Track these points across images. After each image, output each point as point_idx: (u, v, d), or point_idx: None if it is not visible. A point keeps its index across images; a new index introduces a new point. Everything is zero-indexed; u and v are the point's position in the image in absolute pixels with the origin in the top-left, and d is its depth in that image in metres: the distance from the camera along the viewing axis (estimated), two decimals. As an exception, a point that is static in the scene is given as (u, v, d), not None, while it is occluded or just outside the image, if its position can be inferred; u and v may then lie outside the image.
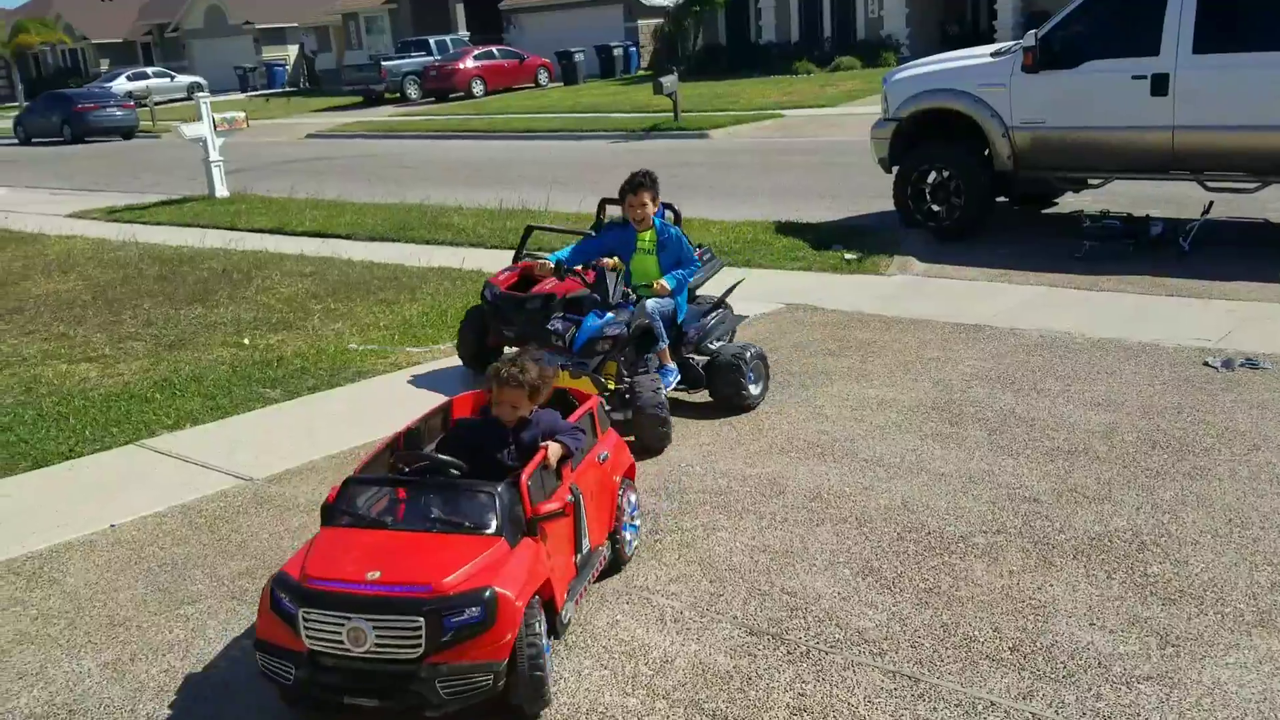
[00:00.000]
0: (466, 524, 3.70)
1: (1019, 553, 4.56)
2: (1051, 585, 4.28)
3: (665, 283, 6.38)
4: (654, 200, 6.57)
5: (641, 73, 37.50)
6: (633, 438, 5.65)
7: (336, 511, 3.86)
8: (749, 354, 6.47)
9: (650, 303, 6.33)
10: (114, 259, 12.68)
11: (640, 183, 6.51)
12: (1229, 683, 3.61)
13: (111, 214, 16.64)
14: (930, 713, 3.56)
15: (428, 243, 12.21)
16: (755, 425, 6.22)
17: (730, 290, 6.79)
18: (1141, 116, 9.32)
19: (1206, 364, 6.69)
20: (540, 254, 7.54)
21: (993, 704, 3.58)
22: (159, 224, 15.31)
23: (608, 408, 5.38)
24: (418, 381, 7.43)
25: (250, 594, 4.61)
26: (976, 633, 3.99)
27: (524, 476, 3.84)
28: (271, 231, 13.85)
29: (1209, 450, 5.44)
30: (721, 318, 6.82)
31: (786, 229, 11.40)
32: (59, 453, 6.45)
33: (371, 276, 10.69)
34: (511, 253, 8.17)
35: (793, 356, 7.45)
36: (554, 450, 4.10)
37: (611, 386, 5.96)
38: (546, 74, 38.84)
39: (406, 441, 4.33)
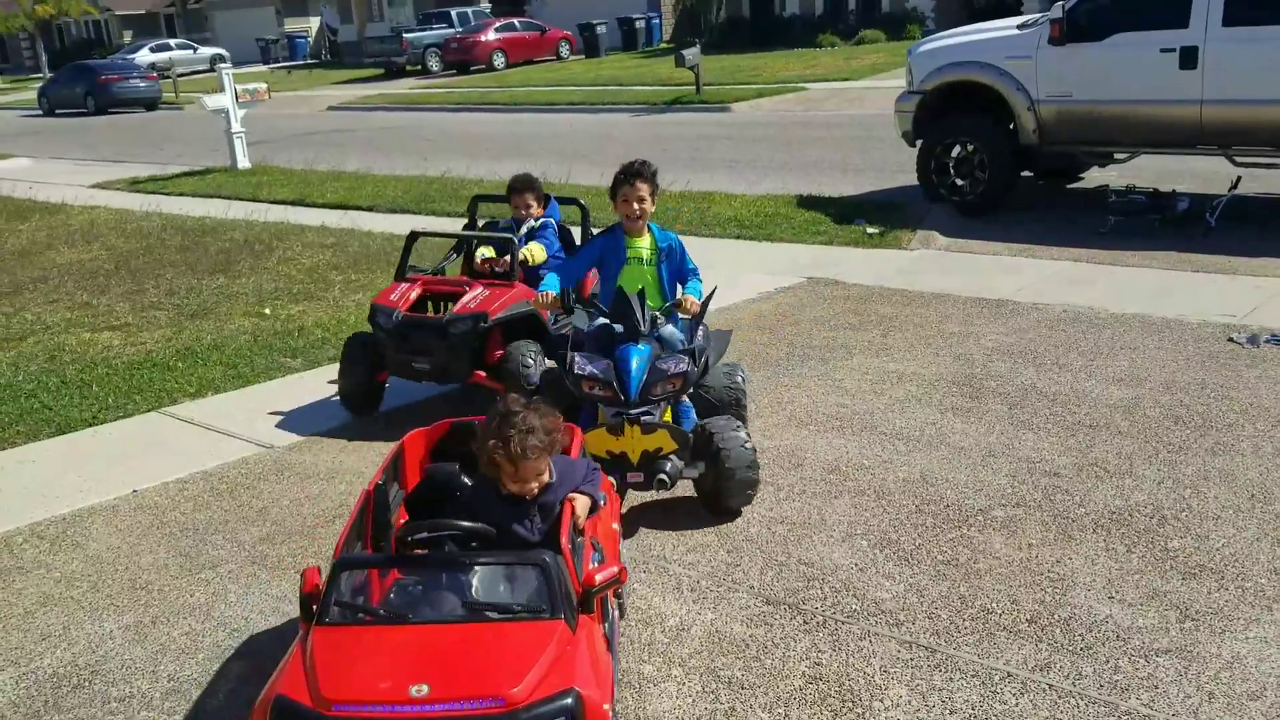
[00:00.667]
0: (517, 608, 2.93)
1: (1038, 526, 4.54)
2: (1070, 558, 4.27)
3: (694, 299, 5.06)
4: (654, 196, 5.16)
5: (663, 45, 37.28)
6: (697, 495, 4.82)
7: (328, 604, 2.95)
8: (739, 378, 5.43)
9: (668, 329, 5.03)
10: (137, 229, 12.74)
11: (639, 171, 5.09)
12: (1248, 657, 3.59)
13: (134, 185, 16.72)
14: (946, 683, 3.56)
15: (449, 215, 12.20)
16: (774, 398, 6.21)
17: (708, 301, 5.09)
18: (1169, 90, 9.19)
19: (1231, 340, 6.63)
20: (421, 267, 6.71)
21: (1009, 675, 3.57)
22: (181, 195, 15.38)
23: (681, 464, 4.61)
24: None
25: (270, 559, 4.65)
26: (994, 604, 3.98)
27: (563, 539, 3.17)
28: (293, 203, 13.87)
29: (1232, 426, 5.39)
30: (714, 338, 5.46)
31: (808, 203, 11.34)
32: (83, 419, 6.50)
33: (392, 248, 10.69)
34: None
35: (813, 330, 7.43)
36: (581, 504, 3.40)
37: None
38: (568, 46, 38.66)
39: (377, 504, 3.50)
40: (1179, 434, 5.34)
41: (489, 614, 2.93)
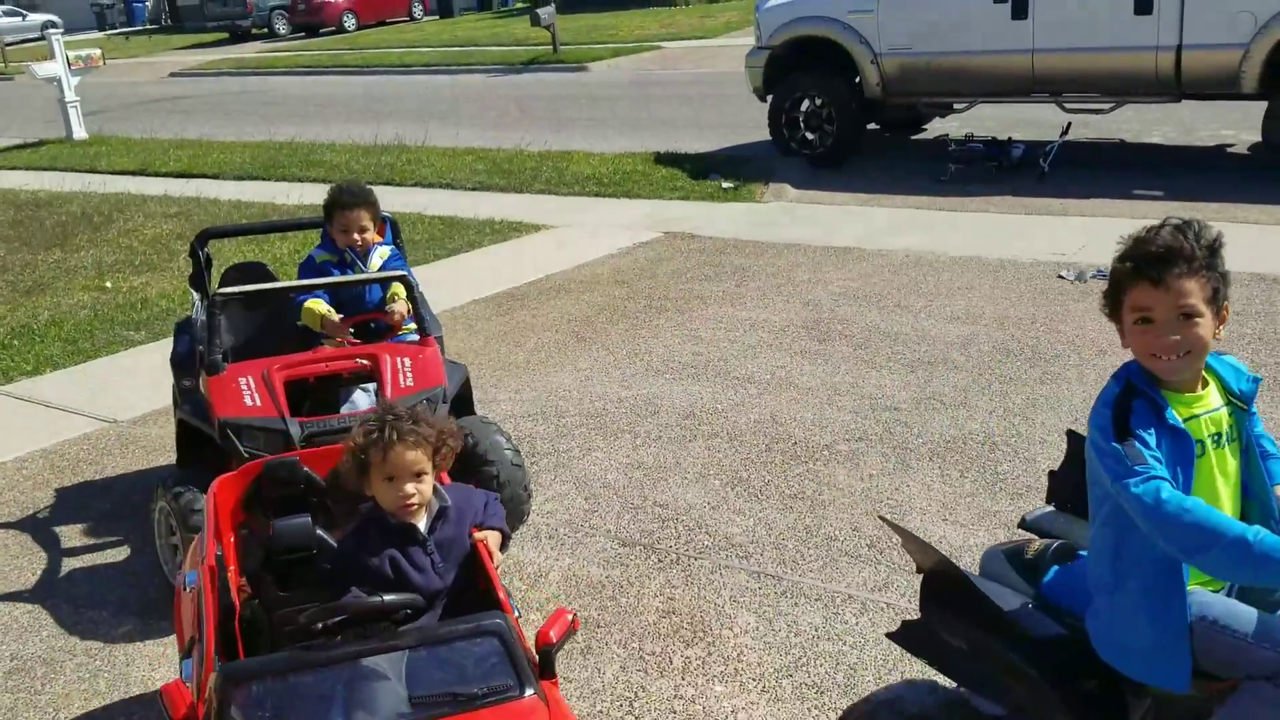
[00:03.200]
0: (480, 691, 2.34)
1: (879, 457, 4.75)
2: (908, 486, 4.48)
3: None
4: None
5: (519, 4, 36.79)
6: None
7: None
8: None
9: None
10: (-36, 205, 12.05)
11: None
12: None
13: (-40, 159, 15.76)
14: (791, 608, 3.71)
15: (299, 180, 11.89)
16: (633, 349, 6.30)
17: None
18: (1003, 40, 9.56)
19: (1060, 277, 6.99)
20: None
21: (850, 597, 3.75)
22: (13, 168, 14.57)
23: None
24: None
25: (116, 534, 4.53)
26: (837, 533, 4.16)
27: (499, 590, 2.67)
28: (134, 173, 13.30)
29: (1059, 356, 5.71)
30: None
31: (665, 160, 11.44)
32: (-92, 403, 6.18)
33: (240, 215, 10.40)
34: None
35: (670, 283, 7.54)
36: (495, 541, 2.87)
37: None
38: (421, 7, 37.80)
39: (223, 583, 2.79)
40: (1010, 366, 5.64)
41: (445, 709, 2.30)
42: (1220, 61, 8.70)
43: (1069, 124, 9.99)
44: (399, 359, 4.13)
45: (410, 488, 2.70)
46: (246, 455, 3.65)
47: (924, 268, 7.44)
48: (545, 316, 7.00)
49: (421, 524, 2.76)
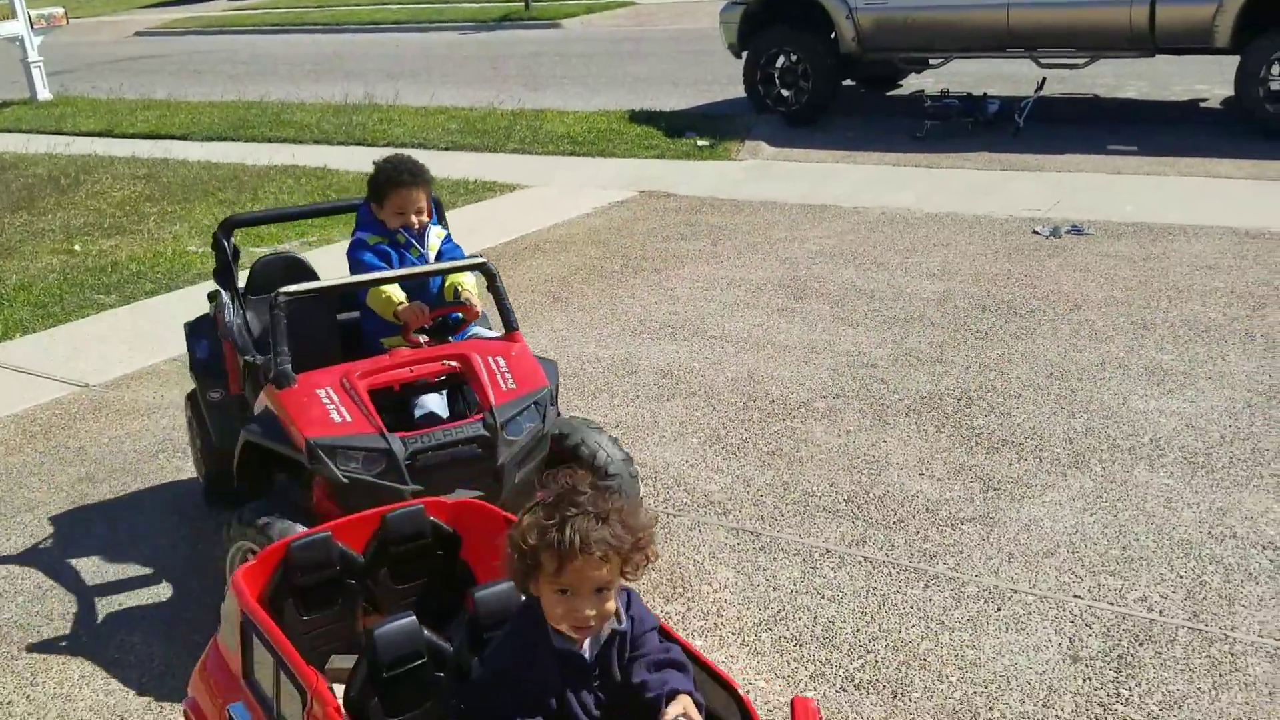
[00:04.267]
0: None
1: (856, 414, 4.76)
2: (885, 441, 4.51)
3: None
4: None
5: (491, -37, 36.26)
6: None
7: None
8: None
9: None
10: (-74, 168, 11.83)
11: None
12: (1044, 519, 3.88)
13: (-79, 121, 15.45)
14: (770, 563, 3.74)
15: (269, 140, 11.75)
16: (609, 309, 6.28)
17: None
18: (978, -5, 9.52)
19: (1035, 233, 7.01)
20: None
21: (828, 551, 3.78)
22: (-25, 130, 14.31)
23: None
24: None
25: (91, 498, 4.50)
26: (814, 488, 4.18)
27: None
28: (100, 134, 13.09)
29: (1034, 312, 5.74)
30: None
31: (640, 118, 11.35)
32: (-125, 369, 6.09)
33: (210, 177, 10.26)
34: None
35: (646, 242, 7.51)
36: (693, 711, 2.04)
37: None
38: (392, -35, 37.19)
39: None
40: (986, 322, 5.66)
41: None
42: (1194, 16, 8.69)
43: (1044, 79, 9.98)
44: (492, 358, 3.59)
45: (590, 609, 2.00)
46: (345, 480, 3.23)
47: (900, 225, 7.44)
48: (521, 277, 6.97)
49: (586, 648, 2.07)
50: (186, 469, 4.68)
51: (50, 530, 4.29)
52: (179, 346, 6.04)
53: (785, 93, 10.63)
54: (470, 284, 3.97)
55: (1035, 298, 5.93)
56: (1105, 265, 6.32)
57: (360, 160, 10.41)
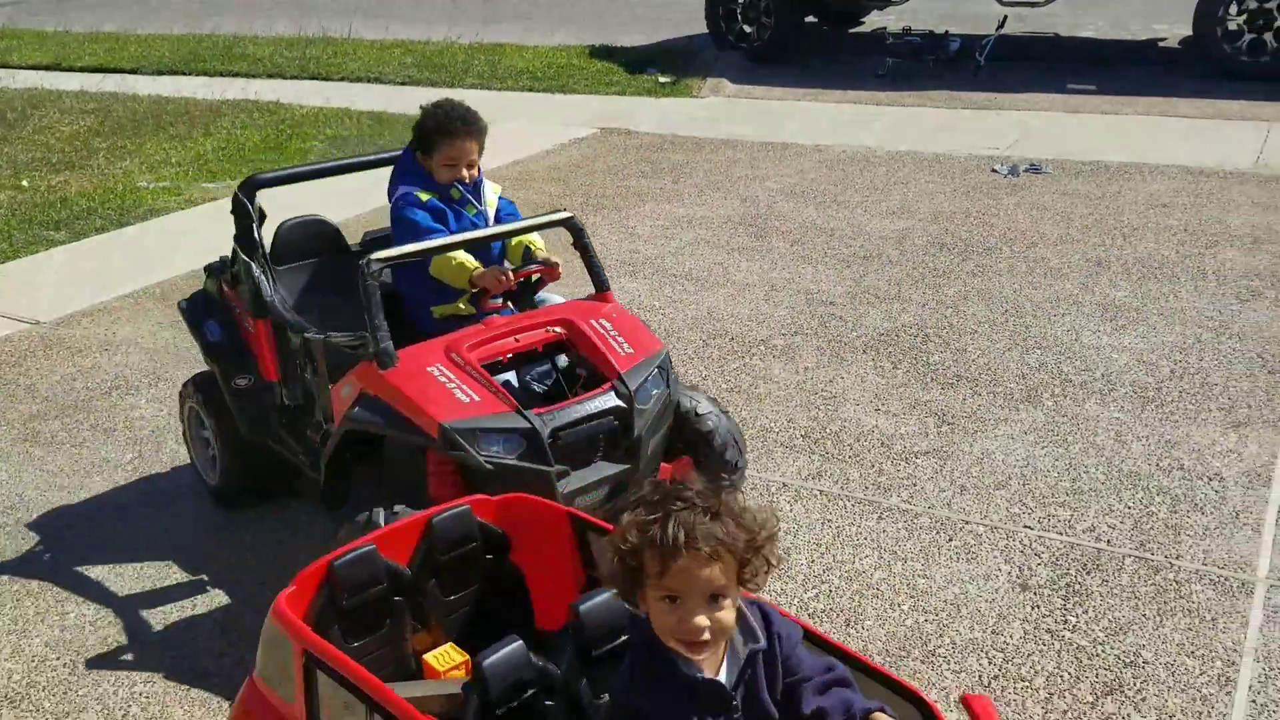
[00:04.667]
0: None
1: (814, 351, 4.79)
2: (842, 378, 4.54)
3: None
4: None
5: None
6: None
7: None
8: None
9: None
10: None
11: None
12: (996, 453, 3.94)
13: None
14: (727, 497, 3.76)
15: (221, 75, 11.49)
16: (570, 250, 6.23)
17: None
18: (941, -69, 9.44)
19: (994, 171, 7.03)
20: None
21: (784, 485, 3.82)
22: (-85, 62, 13.86)
23: None
24: (219, 217, 7.09)
25: (43, 436, 4.44)
26: (772, 424, 4.21)
27: None
28: (48, 68, 12.73)
29: (991, 250, 5.77)
30: None
31: (601, 54, 11.20)
32: None
33: (161, 111, 10.02)
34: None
35: (607, 180, 7.45)
36: None
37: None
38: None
39: None
40: (943, 260, 5.69)
41: None
42: (1156, -47, 8.67)
43: (1004, 18, 9.94)
44: (597, 321, 3.29)
45: (702, 618, 1.72)
46: (490, 467, 2.91)
47: (861, 163, 7.43)
48: (480, 214, 6.89)
49: (724, 673, 1.79)
50: (140, 406, 4.63)
51: (3, 467, 4.24)
52: (131, 283, 6.01)
53: (747, 29, 10.54)
54: (541, 241, 3.61)
55: (992, 236, 5.96)
56: (1062, 203, 6.36)
57: (315, 96, 10.25)
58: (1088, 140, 7.52)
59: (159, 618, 3.35)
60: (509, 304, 3.43)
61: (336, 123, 9.33)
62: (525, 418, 2.97)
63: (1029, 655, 2.96)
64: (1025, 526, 3.52)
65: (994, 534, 3.48)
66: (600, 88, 10.03)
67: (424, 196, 3.50)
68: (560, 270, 3.46)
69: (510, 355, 3.21)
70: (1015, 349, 4.70)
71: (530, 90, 10.18)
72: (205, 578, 3.53)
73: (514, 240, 3.57)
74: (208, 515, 3.88)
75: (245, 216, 3.64)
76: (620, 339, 3.26)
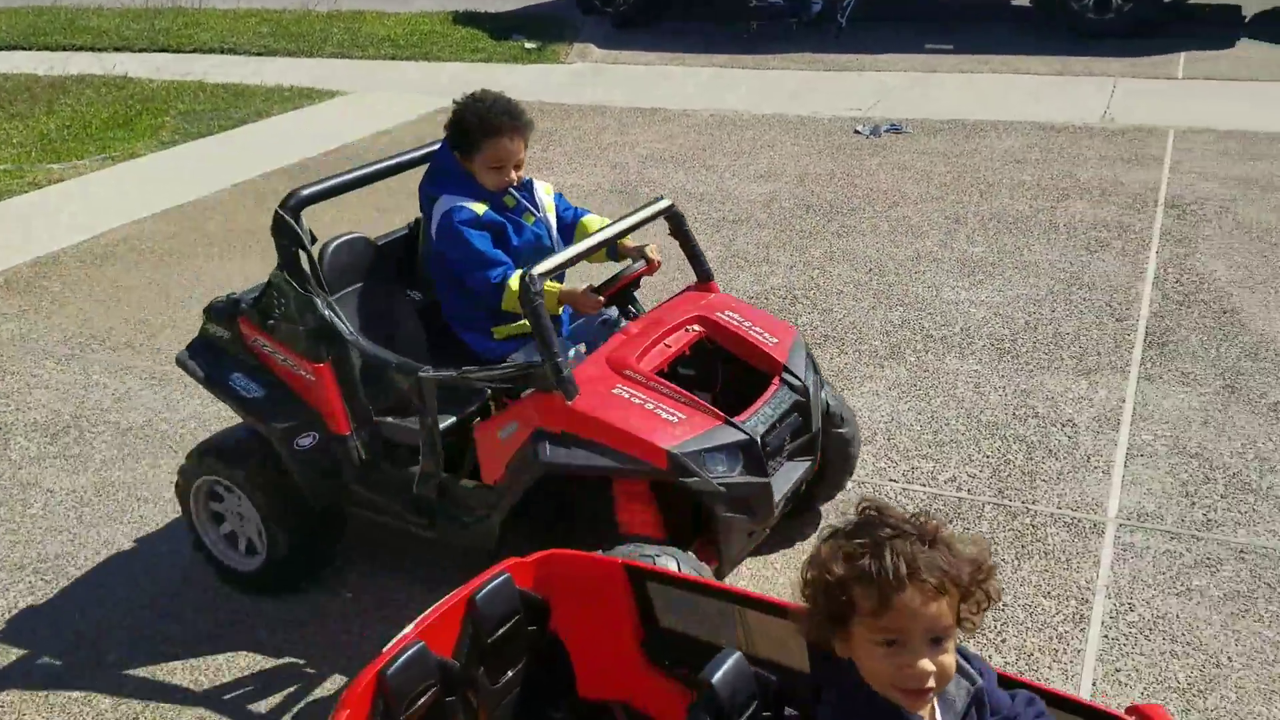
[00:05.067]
0: None
1: (685, 316, 4.82)
2: (713, 342, 4.58)
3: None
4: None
5: None
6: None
7: None
8: None
9: None
10: None
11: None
12: (863, 409, 4.03)
13: None
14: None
15: (64, 49, 10.93)
16: (435, 219, 6.14)
17: None
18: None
19: (857, 132, 7.16)
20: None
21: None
22: None
23: None
24: (63, 200, 6.76)
25: (-122, 439, 4.19)
26: (645, 391, 4.22)
27: None
28: None
29: (855, 210, 5.89)
30: None
31: (465, 19, 11.02)
32: None
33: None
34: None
35: (473, 149, 7.34)
36: None
37: None
38: None
39: None
40: (810, 221, 5.78)
41: None
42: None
43: (865, -21, 10.10)
44: (727, 313, 3.10)
45: (927, 662, 1.50)
46: (721, 488, 2.68)
47: (728, 127, 7.48)
48: (344, 188, 6.72)
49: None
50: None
51: None
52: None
53: (613, -7, 10.47)
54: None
55: (856, 196, 6.07)
56: (922, 162, 6.51)
57: (166, 70, 9.82)
58: (945, 99, 7.72)
59: None
60: (613, 307, 3.18)
61: (190, 97, 8.98)
62: (739, 429, 2.75)
63: (896, 606, 3.04)
64: (890, 480, 3.62)
65: (861, 489, 3.56)
66: (465, 55, 9.87)
67: (478, 210, 3.08)
68: (658, 259, 3.16)
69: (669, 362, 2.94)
70: (879, 307, 4.81)
71: (393, 59, 9.96)
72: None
73: (586, 229, 3.31)
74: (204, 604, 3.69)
75: (293, 240, 3.00)
76: (759, 329, 3.08)
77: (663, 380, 2.82)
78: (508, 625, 2.20)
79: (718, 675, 1.82)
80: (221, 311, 3.18)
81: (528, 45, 9.95)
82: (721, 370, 3.07)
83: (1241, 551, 3.17)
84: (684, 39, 9.94)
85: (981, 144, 6.77)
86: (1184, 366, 4.15)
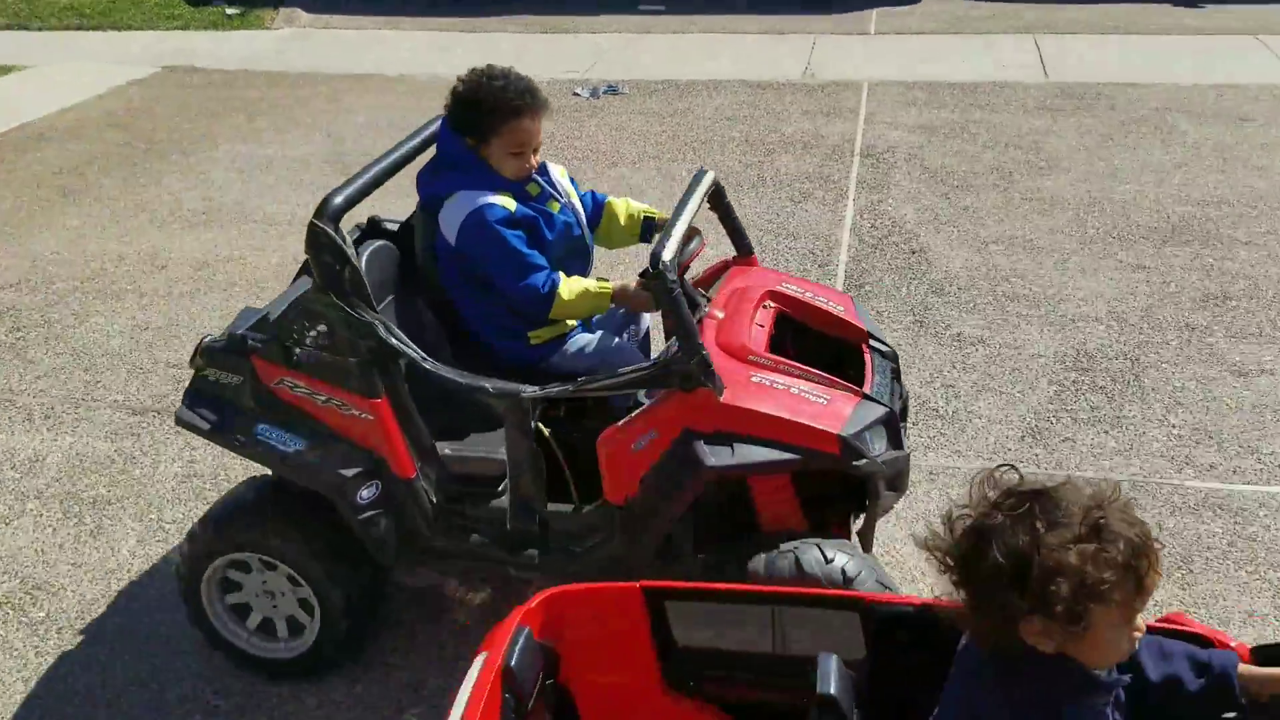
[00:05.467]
0: None
1: (405, 288, 4.72)
2: (434, 313, 4.51)
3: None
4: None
5: None
6: None
7: None
8: None
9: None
10: None
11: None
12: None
13: None
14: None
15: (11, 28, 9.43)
16: (133, 200, 5.73)
17: None
18: None
19: (575, 94, 7.20)
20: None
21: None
22: None
23: None
24: None
25: None
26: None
27: None
28: None
29: (575, 172, 5.89)
30: None
31: (158, -16, 10.27)
32: None
33: None
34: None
35: (172, 122, 6.89)
36: None
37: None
38: None
39: None
40: (530, 185, 5.77)
41: None
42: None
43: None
44: (788, 286, 2.92)
45: (1139, 619, 1.50)
46: (884, 467, 2.50)
47: (445, 92, 7.30)
48: (24, 171, 6.16)
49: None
50: None
51: None
52: None
53: (318, -46, 10.03)
54: (638, 207, 3.08)
55: (576, 158, 6.11)
56: (639, 123, 6.63)
57: None
58: (659, 60, 7.88)
59: None
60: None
61: None
62: (880, 403, 2.55)
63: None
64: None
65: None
66: (160, 22, 9.23)
67: (509, 205, 2.73)
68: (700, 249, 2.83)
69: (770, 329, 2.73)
70: (598, 269, 4.85)
71: (78, 28, 9.18)
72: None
73: (625, 216, 3.08)
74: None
75: (337, 257, 2.49)
76: (823, 298, 2.92)
77: (788, 360, 2.60)
78: (536, 689, 1.94)
79: (832, 685, 1.72)
80: (225, 352, 2.64)
81: (229, 11, 9.41)
82: (792, 343, 2.88)
83: (931, 473, 3.43)
84: (395, 2, 9.67)
85: (694, 103, 6.96)
86: (879, 305, 4.43)
